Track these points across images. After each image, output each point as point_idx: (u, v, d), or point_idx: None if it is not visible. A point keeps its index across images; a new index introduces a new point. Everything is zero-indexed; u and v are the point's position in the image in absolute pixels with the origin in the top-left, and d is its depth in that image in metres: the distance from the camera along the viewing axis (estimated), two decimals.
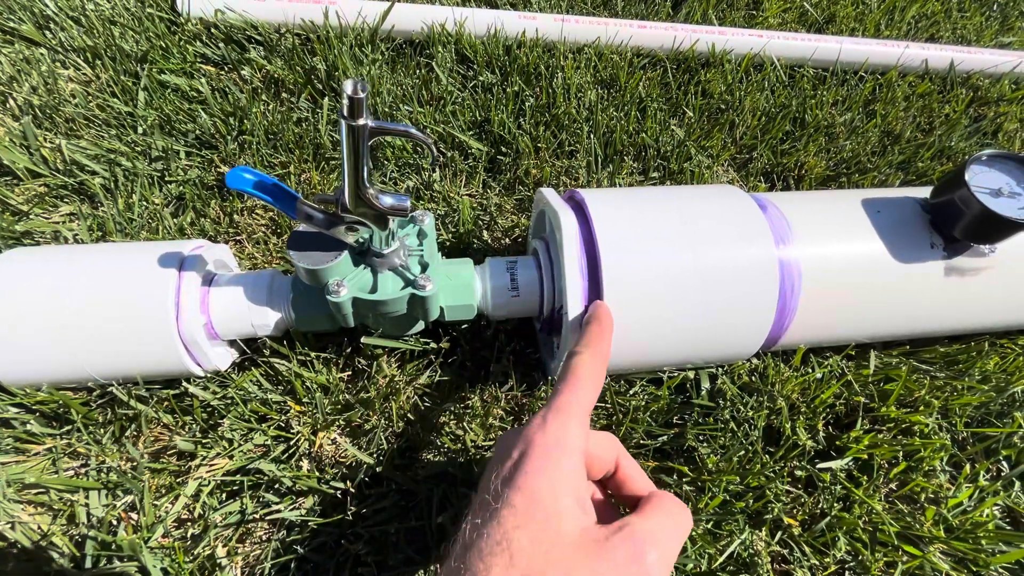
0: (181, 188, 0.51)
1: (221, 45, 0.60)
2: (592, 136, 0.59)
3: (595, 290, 0.37)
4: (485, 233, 0.53)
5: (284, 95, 0.59)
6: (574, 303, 0.37)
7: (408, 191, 0.55)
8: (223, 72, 0.60)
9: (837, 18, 0.82)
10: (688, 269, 0.37)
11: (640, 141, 0.60)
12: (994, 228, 0.39)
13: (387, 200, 0.31)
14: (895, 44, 0.73)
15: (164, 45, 0.58)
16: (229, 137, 0.54)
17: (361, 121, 0.26)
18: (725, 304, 0.38)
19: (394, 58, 0.65)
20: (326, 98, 0.58)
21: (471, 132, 0.59)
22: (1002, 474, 0.45)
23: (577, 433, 0.26)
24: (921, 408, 0.46)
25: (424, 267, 0.38)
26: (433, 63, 0.62)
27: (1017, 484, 0.45)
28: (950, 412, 0.46)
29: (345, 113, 0.26)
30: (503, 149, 0.58)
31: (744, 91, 0.67)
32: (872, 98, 0.71)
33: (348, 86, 0.25)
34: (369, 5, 0.64)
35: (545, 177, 0.57)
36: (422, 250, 0.39)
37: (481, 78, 0.63)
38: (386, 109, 0.58)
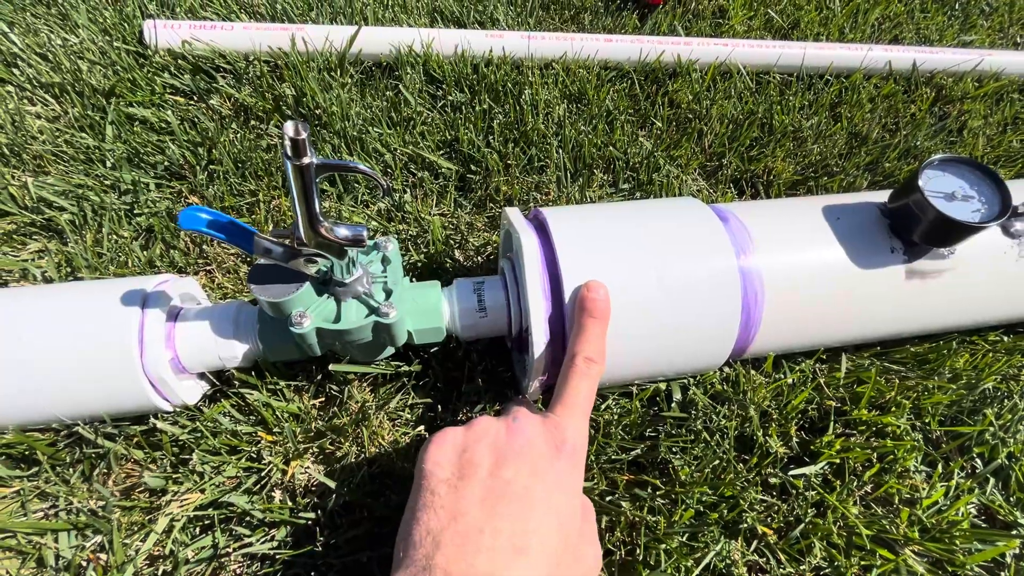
0: (150, 220, 0.51)
1: (189, 75, 0.61)
2: (561, 151, 0.60)
3: (559, 311, 0.37)
4: (457, 252, 0.53)
5: (253, 123, 0.59)
6: (538, 326, 0.37)
7: (380, 213, 0.56)
8: (192, 102, 0.60)
9: (802, 23, 0.83)
10: (651, 285, 0.38)
11: (609, 154, 0.61)
12: (950, 232, 0.40)
13: (343, 232, 0.32)
14: (859, 47, 0.75)
15: (132, 78, 0.59)
16: (198, 167, 0.54)
17: (306, 160, 0.26)
18: (690, 317, 0.39)
19: (363, 81, 0.65)
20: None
21: (441, 152, 0.60)
22: (976, 471, 0.46)
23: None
24: (893, 409, 0.46)
25: (388, 294, 0.38)
26: (400, 85, 0.63)
27: (992, 481, 0.45)
28: (923, 412, 0.47)
29: (289, 153, 0.26)
30: (472, 168, 0.58)
31: (712, 100, 0.68)
32: (838, 101, 0.72)
33: (289, 128, 0.25)
34: (336, 30, 0.65)
35: (515, 194, 0.57)
36: (386, 276, 0.39)
37: (450, 97, 0.64)
38: (355, 133, 0.58)
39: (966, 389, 0.47)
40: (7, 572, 0.35)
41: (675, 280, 0.38)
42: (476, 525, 0.26)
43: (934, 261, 0.42)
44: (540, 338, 0.37)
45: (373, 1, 0.71)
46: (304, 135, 0.25)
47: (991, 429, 0.46)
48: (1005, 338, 0.52)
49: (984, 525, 0.43)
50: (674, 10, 0.81)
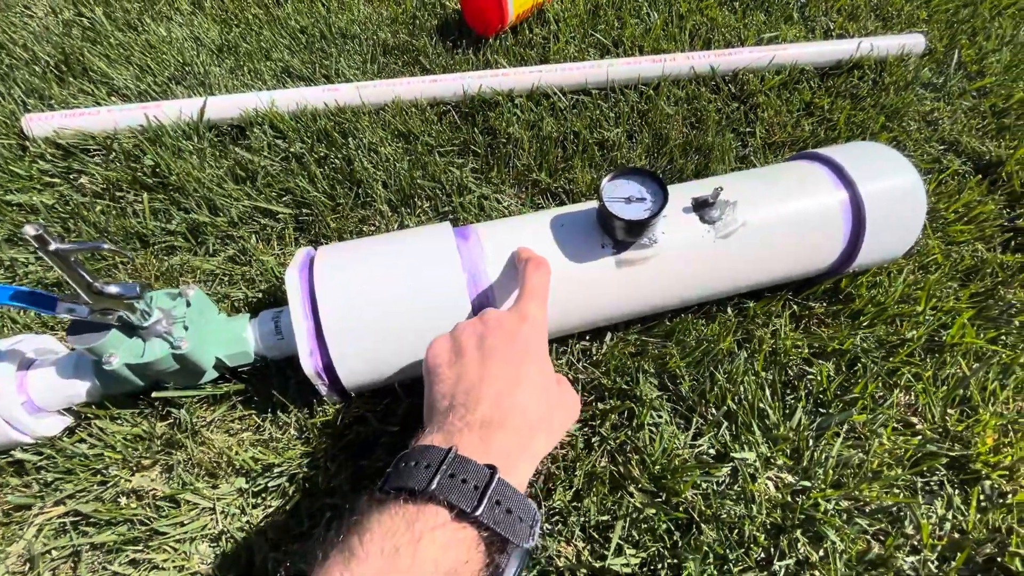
0: None
1: (61, 160, 0.71)
2: (385, 187, 0.70)
3: (318, 325, 0.47)
4: None
5: (118, 194, 0.70)
6: (302, 343, 0.47)
7: (228, 259, 0.66)
8: (65, 183, 0.71)
9: (624, 38, 0.93)
10: (394, 295, 0.48)
11: (425, 184, 0.71)
12: (631, 227, 0.50)
13: (113, 289, 0.42)
14: (660, 57, 0.85)
15: (11, 170, 0.69)
16: (68, 239, 0.64)
17: (52, 247, 0.37)
18: (424, 320, 0.48)
19: (219, 143, 0.75)
20: (146, 193, 0.68)
21: (282, 200, 0.70)
22: (711, 417, 0.55)
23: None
24: (639, 375, 0.56)
25: (187, 329, 0.48)
26: (237, 147, 0.73)
27: (725, 424, 0.55)
28: (676, 375, 0.56)
29: (37, 246, 0.36)
30: (304, 211, 0.68)
31: (527, 123, 0.78)
32: (647, 108, 0.82)
33: (29, 229, 0.35)
34: (189, 102, 0.75)
35: (345, 228, 0.67)
36: (185, 317, 0.49)
37: (292, 149, 0.74)
38: (207, 193, 0.68)
39: (702, 354, 0.57)
40: None
41: (411, 291, 0.48)
42: (475, 379, 0.36)
43: (638, 251, 0.52)
44: (304, 348, 0.47)
45: (227, 73, 0.82)
46: (40, 232, 0.35)
47: (719, 382, 0.56)
48: (753, 303, 0.62)
49: (712, 461, 0.53)
50: (504, 42, 0.91)
